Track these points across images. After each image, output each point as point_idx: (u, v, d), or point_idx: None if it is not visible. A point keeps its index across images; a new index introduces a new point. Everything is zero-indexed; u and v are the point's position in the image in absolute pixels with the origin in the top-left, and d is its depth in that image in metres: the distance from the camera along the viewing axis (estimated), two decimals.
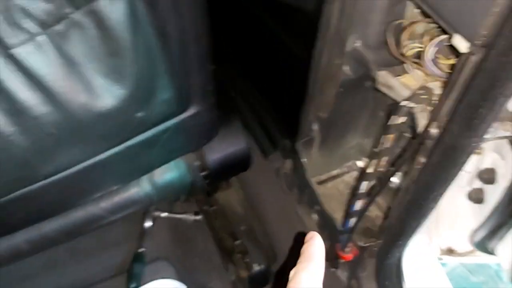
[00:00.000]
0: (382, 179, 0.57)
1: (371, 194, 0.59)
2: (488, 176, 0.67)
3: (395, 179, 0.65)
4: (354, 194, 0.59)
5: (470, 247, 0.83)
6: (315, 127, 0.75)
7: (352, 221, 0.63)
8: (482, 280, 1.42)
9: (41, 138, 0.52)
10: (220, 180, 0.96)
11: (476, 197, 0.70)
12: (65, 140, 0.55)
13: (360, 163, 0.84)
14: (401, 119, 0.50)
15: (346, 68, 0.61)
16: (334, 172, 0.86)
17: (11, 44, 0.46)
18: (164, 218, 1.06)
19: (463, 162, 0.45)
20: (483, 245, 0.74)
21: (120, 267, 0.99)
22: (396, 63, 0.56)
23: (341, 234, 0.66)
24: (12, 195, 0.63)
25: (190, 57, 0.57)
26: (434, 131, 0.47)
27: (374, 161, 0.55)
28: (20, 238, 0.77)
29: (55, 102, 0.50)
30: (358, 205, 0.60)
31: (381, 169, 0.56)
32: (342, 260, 0.74)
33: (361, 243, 0.66)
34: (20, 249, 0.78)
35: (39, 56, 0.47)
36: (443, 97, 0.45)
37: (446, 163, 0.46)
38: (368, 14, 0.56)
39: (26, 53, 0.47)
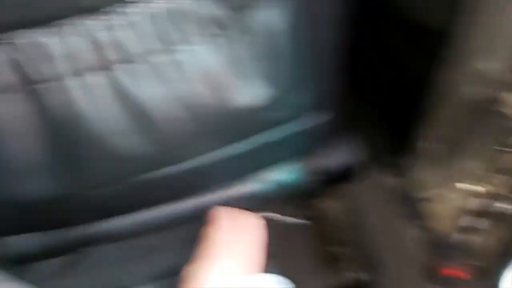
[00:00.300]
0: (499, 199, 0.58)
1: (484, 213, 0.60)
2: None
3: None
4: (466, 211, 0.61)
5: None
6: (428, 144, 0.76)
7: (461, 238, 0.64)
8: None
9: (195, 125, 0.60)
10: (328, 187, 1.00)
11: None
12: (211, 129, 0.63)
13: (469, 185, 0.84)
14: None
15: (471, 89, 0.63)
16: (441, 191, 0.86)
17: (183, 44, 0.55)
18: (270, 218, 1.10)
19: None
20: None
21: None
22: None
23: (448, 251, 0.67)
24: (146, 176, 0.72)
25: (329, 67, 0.63)
26: None
27: (493, 181, 0.56)
28: (144, 216, 0.86)
29: (218, 95, 0.58)
30: (469, 222, 0.62)
31: (500, 190, 0.57)
32: (446, 277, 0.74)
33: (468, 262, 0.67)
34: (144, 224, 0.87)
35: (209, 55, 0.56)
36: None
37: None
38: (499, 36, 0.58)
39: (198, 51, 0.56)
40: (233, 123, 0.63)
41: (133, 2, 0.52)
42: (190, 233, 1.08)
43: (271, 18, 0.55)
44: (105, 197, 0.73)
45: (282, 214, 1.11)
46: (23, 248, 0.86)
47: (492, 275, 0.63)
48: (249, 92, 0.60)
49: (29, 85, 0.54)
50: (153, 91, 0.57)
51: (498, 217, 0.65)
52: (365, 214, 0.99)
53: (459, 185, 0.84)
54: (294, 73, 0.62)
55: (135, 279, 1.00)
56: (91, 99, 0.56)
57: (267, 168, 0.83)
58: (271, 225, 1.10)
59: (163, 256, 1.05)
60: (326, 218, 1.06)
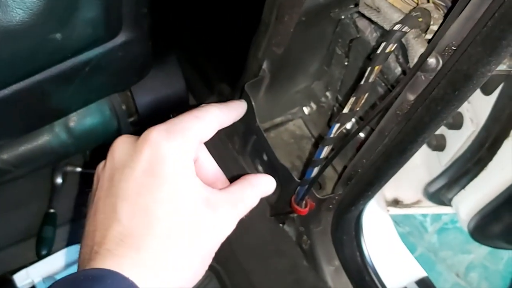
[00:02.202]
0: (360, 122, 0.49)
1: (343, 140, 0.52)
2: (454, 121, 0.62)
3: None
4: (322, 138, 0.51)
5: (416, 198, 0.79)
6: (266, 65, 0.65)
7: (315, 170, 0.55)
8: (408, 231, 1.43)
9: None
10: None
11: (438, 144, 0.66)
12: None
13: (307, 110, 0.77)
14: (391, 48, 0.42)
15: None
16: (278, 120, 0.78)
17: None
18: (78, 173, 0.92)
19: (470, 94, 0.38)
20: (438, 196, 0.70)
21: (28, 231, 0.84)
22: None
23: (299, 185, 0.58)
24: None
25: None
26: (433, 60, 0.39)
27: (352, 100, 0.46)
28: None
29: None
30: (325, 152, 0.52)
31: (358, 109, 0.48)
32: (293, 215, 0.67)
33: (319, 196, 0.59)
34: None
35: None
36: (451, 17, 0.37)
37: (449, 97, 0.38)
38: None
39: None
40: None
41: None
42: None
43: None
44: None
45: (90, 167, 0.92)
46: None
47: (352, 206, 0.56)
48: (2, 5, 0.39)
49: None
50: None
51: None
52: None
53: (294, 112, 0.76)
54: None
55: None
56: None
57: (69, 112, 0.63)
58: (78, 181, 0.91)
59: None
60: None
